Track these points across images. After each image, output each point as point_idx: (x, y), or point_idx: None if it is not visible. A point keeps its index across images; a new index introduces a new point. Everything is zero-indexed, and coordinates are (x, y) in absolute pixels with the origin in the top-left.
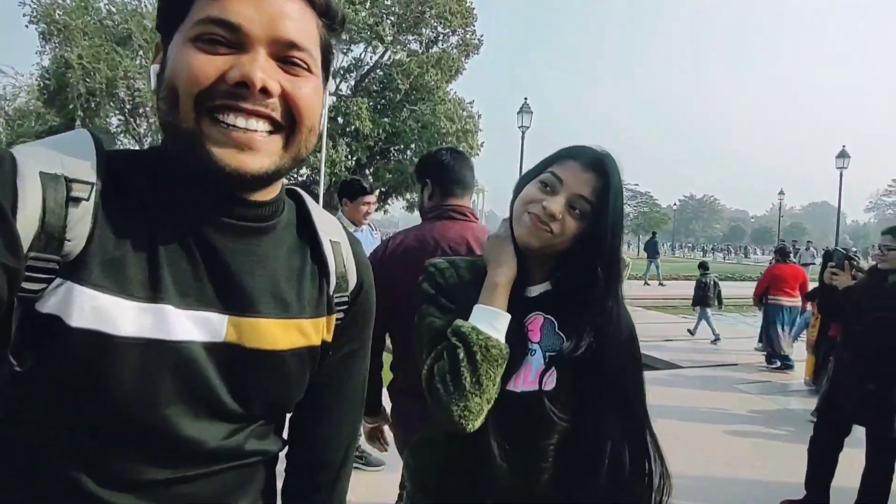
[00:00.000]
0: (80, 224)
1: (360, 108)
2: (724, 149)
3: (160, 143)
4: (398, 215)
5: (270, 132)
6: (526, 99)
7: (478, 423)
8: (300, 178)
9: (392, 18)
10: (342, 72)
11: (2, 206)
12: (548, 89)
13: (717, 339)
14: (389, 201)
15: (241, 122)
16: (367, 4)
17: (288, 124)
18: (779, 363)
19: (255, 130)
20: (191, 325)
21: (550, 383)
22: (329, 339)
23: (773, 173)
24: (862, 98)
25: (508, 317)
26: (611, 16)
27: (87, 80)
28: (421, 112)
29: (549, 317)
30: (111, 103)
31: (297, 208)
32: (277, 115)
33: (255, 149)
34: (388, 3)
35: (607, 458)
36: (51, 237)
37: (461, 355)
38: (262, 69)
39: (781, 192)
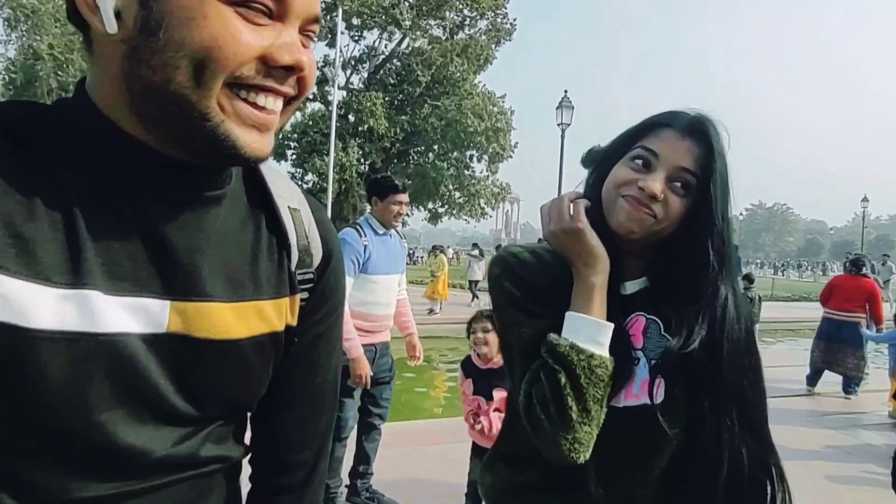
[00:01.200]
0: None
1: (374, 104)
2: (797, 149)
3: (75, 92)
4: (419, 228)
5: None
6: (566, 92)
7: (589, 453)
8: (305, 186)
9: (411, 0)
10: (353, 62)
11: None
12: (590, 81)
13: None
14: (409, 212)
15: (270, 103)
16: None
17: (294, 99)
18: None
19: (275, 111)
20: (125, 314)
21: (660, 395)
22: (294, 322)
23: (856, 178)
24: None
25: (611, 327)
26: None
27: (59, 72)
28: (444, 108)
29: (651, 317)
30: None
31: (246, 171)
32: (294, 91)
33: (269, 129)
34: None
35: (723, 474)
36: None
37: (562, 381)
38: (301, 50)
39: (865, 200)
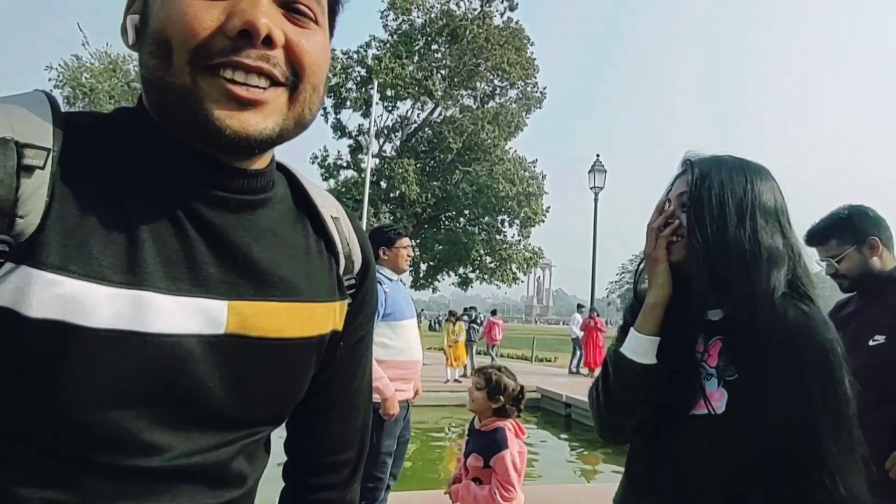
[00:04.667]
0: (33, 197)
1: (406, 171)
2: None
3: (137, 103)
4: (448, 294)
5: (270, 86)
6: (598, 156)
7: (620, 439)
8: None
9: (443, 72)
10: (386, 131)
11: None
12: (622, 144)
13: None
14: (440, 277)
15: (240, 76)
16: (416, 58)
17: (291, 81)
18: None
19: (256, 86)
20: (184, 315)
21: (721, 406)
22: (340, 328)
23: None
24: None
25: (648, 339)
26: (687, 50)
27: None
28: (476, 174)
29: (728, 341)
30: None
31: (289, 182)
32: (279, 71)
33: (259, 105)
34: (439, 56)
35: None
36: None
37: (601, 375)
38: (266, 14)
39: None
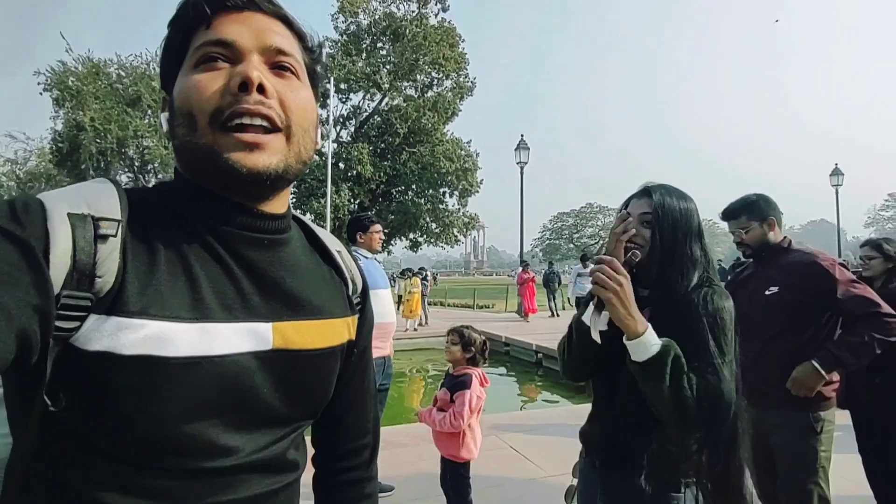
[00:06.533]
0: (108, 260)
1: (360, 154)
2: (722, 166)
3: (174, 176)
4: (400, 255)
5: (269, 130)
6: (522, 136)
7: (578, 379)
8: None
9: (388, 67)
10: (342, 119)
11: (33, 249)
12: (545, 122)
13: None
14: (393, 241)
15: (245, 119)
16: (364, 55)
17: (285, 126)
18: None
19: (259, 126)
20: (240, 338)
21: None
22: (354, 338)
23: (772, 191)
24: (857, 108)
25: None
26: (608, 41)
27: (99, 140)
28: (420, 154)
29: (654, 309)
30: (121, 161)
31: (299, 226)
32: (275, 114)
33: (262, 147)
34: (384, 52)
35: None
36: (82, 275)
37: (566, 334)
38: (258, 69)
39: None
